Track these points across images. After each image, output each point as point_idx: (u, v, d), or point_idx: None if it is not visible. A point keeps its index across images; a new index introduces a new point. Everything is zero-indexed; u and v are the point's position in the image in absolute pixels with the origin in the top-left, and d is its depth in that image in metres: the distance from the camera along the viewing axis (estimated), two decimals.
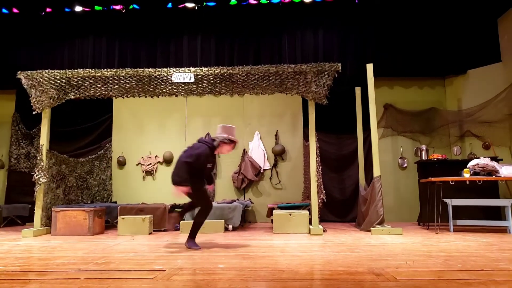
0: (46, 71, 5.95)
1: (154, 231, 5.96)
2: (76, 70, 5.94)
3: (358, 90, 7.06)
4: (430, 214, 5.94)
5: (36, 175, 5.86)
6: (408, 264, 3.05)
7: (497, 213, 6.22)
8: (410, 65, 7.48)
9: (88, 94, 6.10)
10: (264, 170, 7.79)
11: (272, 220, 5.82)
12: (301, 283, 2.44)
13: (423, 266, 2.96)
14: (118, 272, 2.85)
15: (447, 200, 5.51)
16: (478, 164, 5.50)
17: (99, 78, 5.95)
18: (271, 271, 2.83)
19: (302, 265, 3.05)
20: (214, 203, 6.32)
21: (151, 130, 8.14)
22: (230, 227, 5.97)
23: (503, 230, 5.60)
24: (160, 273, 2.79)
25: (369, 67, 5.84)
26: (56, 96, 5.99)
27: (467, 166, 5.58)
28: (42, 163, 5.91)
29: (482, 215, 6.06)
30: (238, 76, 5.77)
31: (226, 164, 7.91)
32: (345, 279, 2.54)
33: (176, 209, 6.61)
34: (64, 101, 6.10)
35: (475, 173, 5.51)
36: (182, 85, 5.94)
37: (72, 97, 6.09)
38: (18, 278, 2.67)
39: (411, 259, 3.30)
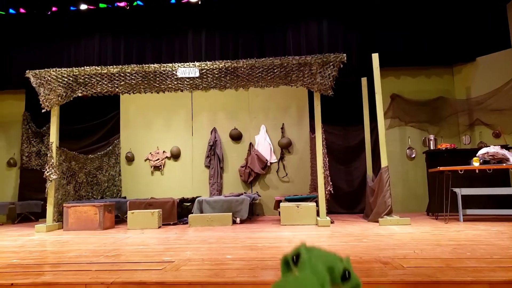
0: (54, 69, 6.02)
1: (163, 224, 6.03)
2: (82, 68, 6.00)
3: (364, 81, 7.02)
4: (439, 204, 5.90)
5: (47, 172, 5.95)
6: (416, 253, 3.05)
7: (508, 201, 6.15)
8: (417, 54, 7.40)
9: (95, 91, 6.17)
10: (271, 163, 7.81)
11: (279, 212, 5.84)
12: None
13: (432, 255, 2.95)
14: (128, 264, 2.90)
15: (456, 190, 5.46)
16: (488, 153, 5.45)
17: (106, 75, 6.01)
18: (279, 261, 2.85)
19: None
20: (221, 197, 6.37)
21: (158, 126, 8.20)
22: (238, 219, 6.01)
23: None
24: (169, 264, 2.83)
25: (375, 57, 5.80)
26: (64, 93, 6.07)
27: (477, 155, 5.52)
28: (52, 160, 6.01)
29: (492, 204, 5.99)
30: (242, 69, 5.77)
31: (233, 158, 7.94)
32: (353, 268, 2.55)
33: (185, 203, 6.68)
34: (72, 99, 6.19)
35: (485, 162, 5.45)
36: (187, 80, 5.97)
37: (80, 94, 6.17)
38: (33, 270, 2.73)
39: (419, 248, 3.29)
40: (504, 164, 5.30)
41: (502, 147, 5.72)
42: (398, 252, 3.10)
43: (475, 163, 5.41)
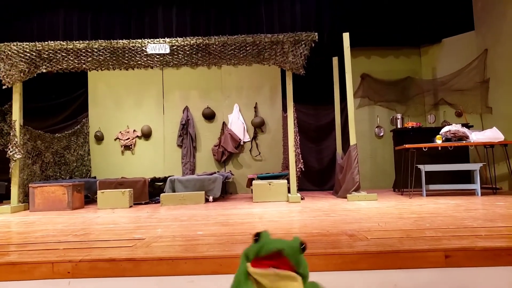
0: (14, 43, 5.72)
1: (134, 204, 5.99)
2: (46, 43, 5.73)
3: (335, 60, 7.09)
4: (405, 180, 6.15)
5: (10, 151, 5.74)
6: (380, 226, 3.19)
7: (468, 177, 6.50)
8: (386, 35, 7.54)
9: (60, 67, 5.93)
10: (244, 142, 7.84)
11: (252, 190, 5.92)
12: None
13: (394, 227, 3.10)
14: (98, 242, 2.89)
15: (420, 166, 5.70)
16: (450, 131, 5.69)
17: (72, 50, 5.78)
18: (249, 235, 2.92)
19: (279, 229, 3.15)
20: (194, 176, 6.37)
21: (128, 104, 8.02)
22: (210, 198, 6.05)
23: (472, 193, 5.87)
24: (140, 241, 2.83)
25: (346, 36, 5.85)
26: (27, 69, 5.81)
27: (440, 133, 5.77)
28: (16, 139, 5.78)
29: (453, 179, 6.30)
30: (214, 46, 5.69)
31: (206, 137, 7.92)
32: (319, 240, 2.65)
33: (156, 183, 6.64)
34: (35, 75, 5.92)
35: (447, 139, 5.70)
36: (157, 56, 5.83)
37: (44, 70, 5.92)
38: None
39: (384, 221, 3.44)
40: (464, 141, 5.56)
41: (463, 125, 5.98)
42: (364, 225, 3.24)
43: (438, 141, 5.65)
